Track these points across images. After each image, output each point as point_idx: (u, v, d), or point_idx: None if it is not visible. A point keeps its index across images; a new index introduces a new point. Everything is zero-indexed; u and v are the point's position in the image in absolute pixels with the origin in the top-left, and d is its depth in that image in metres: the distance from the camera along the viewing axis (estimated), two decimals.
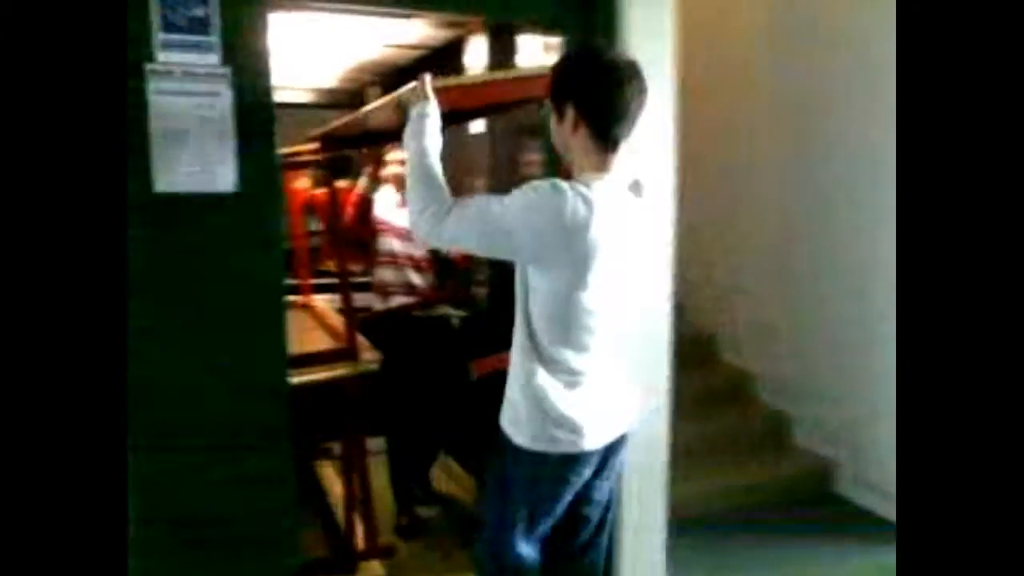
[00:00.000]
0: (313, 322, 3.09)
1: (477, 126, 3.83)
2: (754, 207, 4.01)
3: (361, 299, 3.05)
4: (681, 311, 4.23)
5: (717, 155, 4.02)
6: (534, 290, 1.53)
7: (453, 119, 1.92)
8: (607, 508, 1.74)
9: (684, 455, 3.13)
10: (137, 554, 1.78)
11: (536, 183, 1.46)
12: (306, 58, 4.34)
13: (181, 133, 1.76)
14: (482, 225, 1.48)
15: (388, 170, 3.00)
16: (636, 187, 1.54)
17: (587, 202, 1.42)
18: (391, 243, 2.96)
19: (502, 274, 2.26)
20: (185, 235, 1.79)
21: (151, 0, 1.70)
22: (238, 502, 1.88)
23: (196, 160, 1.78)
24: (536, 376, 1.54)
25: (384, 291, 2.99)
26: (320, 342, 2.69)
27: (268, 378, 1.89)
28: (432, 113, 1.61)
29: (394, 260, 2.97)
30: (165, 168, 1.76)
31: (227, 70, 1.78)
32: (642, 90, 1.49)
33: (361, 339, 2.59)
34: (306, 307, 3.33)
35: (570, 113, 1.49)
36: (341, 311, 2.69)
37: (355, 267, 3.21)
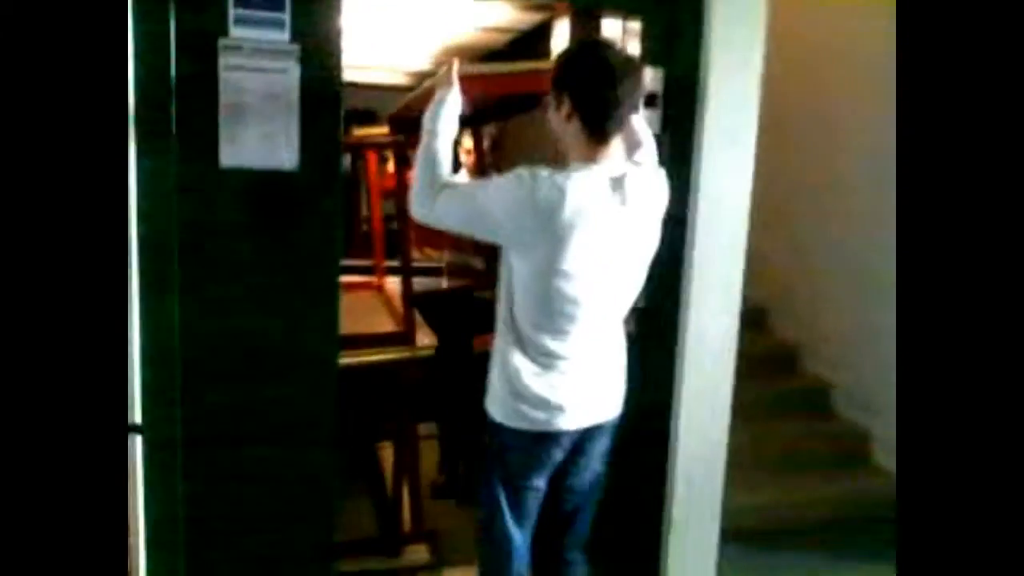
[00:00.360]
0: (381, 304, 3.12)
1: None
2: (839, 216, 3.80)
3: (430, 283, 3.07)
4: (764, 318, 4.10)
5: (803, 160, 3.85)
6: (516, 274, 1.60)
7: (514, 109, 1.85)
8: (589, 495, 1.79)
9: (754, 465, 3.02)
10: (183, 528, 1.86)
11: (518, 170, 1.53)
12: (400, 40, 4.38)
13: (248, 108, 1.78)
14: (465, 206, 1.59)
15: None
16: (620, 182, 1.56)
17: (559, 188, 1.49)
18: None
19: None
20: (246, 209, 1.82)
21: None
22: (279, 476, 1.91)
23: (261, 136, 1.80)
24: (512, 357, 1.62)
25: (450, 274, 3.02)
26: (382, 324, 2.71)
27: (316, 355, 1.91)
28: (452, 100, 1.69)
29: (458, 244, 2.99)
30: (231, 142, 1.79)
31: (296, 47, 1.79)
32: (636, 88, 1.56)
33: (419, 318, 2.59)
34: (379, 288, 3.38)
35: (566, 104, 1.55)
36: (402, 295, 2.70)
37: (431, 252, 3.24)
